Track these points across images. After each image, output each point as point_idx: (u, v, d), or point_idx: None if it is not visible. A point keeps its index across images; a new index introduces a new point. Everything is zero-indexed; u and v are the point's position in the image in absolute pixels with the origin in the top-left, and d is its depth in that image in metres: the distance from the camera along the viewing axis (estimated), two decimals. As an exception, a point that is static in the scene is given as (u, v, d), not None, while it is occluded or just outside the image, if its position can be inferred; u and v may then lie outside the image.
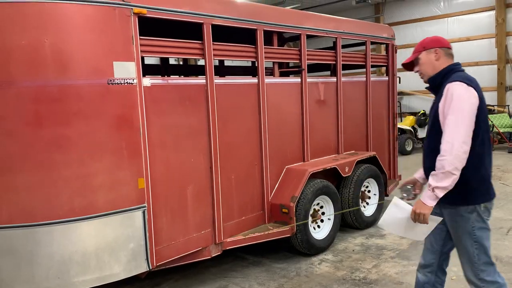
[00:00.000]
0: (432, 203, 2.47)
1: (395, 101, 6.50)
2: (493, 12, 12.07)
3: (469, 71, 10.66)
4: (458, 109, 2.40)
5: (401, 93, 13.85)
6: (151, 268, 3.44)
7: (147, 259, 3.41)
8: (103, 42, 3.14)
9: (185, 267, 4.11)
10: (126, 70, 3.24)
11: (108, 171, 3.20)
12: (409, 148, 11.17)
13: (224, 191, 4.04)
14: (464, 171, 2.42)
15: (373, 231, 5.35)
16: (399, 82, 6.62)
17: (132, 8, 3.24)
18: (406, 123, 11.61)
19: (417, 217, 2.50)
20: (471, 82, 2.49)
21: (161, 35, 3.64)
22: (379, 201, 5.64)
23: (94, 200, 3.17)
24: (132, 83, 3.28)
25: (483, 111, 2.49)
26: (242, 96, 4.21)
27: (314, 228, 4.76)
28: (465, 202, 2.55)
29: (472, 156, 2.43)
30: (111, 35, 3.17)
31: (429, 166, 2.60)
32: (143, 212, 3.38)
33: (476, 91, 2.47)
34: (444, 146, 2.41)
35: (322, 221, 4.86)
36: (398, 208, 2.62)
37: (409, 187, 2.84)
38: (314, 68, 6.63)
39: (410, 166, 9.29)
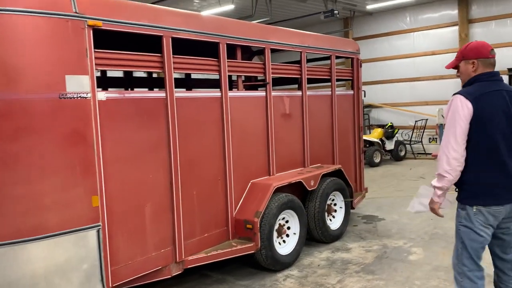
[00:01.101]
0: (436, 199, 2.85)
1: (361, 114, 6.56)
2: (456, 28, 12.46)
3: (434, 84, 10.96)
4: (451, 119, 2.71)
5: (370, 106, 14.08)
6: (106, 290, 3.29)
7: (102, 280, 3.27)
8: (54, 55, 3.02)
9: (146, 286, 3.96)
10: (79, 84, 3.12)
11: (59, 189, 3.06)
12: (377, 160, 11.31)
13: (185, 208, 3.94)
14: (462, 173, 2.74)
15: (339, 245, 5.33)
16: (364, 96, 6.70)
17: (86, 21, 3.14)
18: (374, 136, 11.76)
19: (432, 211, 2.92)
20: (470, 95, 2.69)
21: (129, 47, 3.54)
22: (345, 214, 5.63)
23: (44, 220, 3.01)
24: (85, 97, 3.16)
25: (481, 122, 2.67)
26: (204, 110, 4.14)
27: (280, 243, 4.70)
28: (459, 199, 2.85)
29: (466, 160, 2.72)
30: (63, 47, 3.06)
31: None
32: (98, 231, 3.24)
33: (474, 103, 2.66)
34: (439, 152, 2.78)
35: (287, 235, 4.80)
36: (421, 202, 3.06)
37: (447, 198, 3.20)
38: (285, 82, 6.66)
39: (377, 178, 9.41)
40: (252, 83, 5.46)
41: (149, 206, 3.65)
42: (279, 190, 4.64)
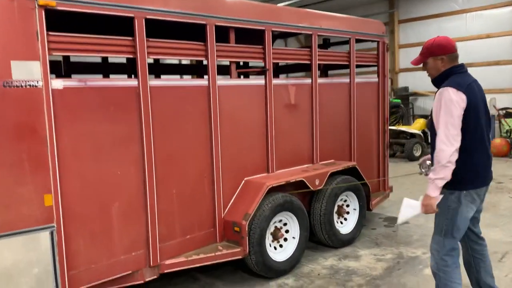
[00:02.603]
0: (435, 193, 2.87)
1: (387, 104, 5.89)
2: (514, 7, 11.17)
3: (489, 70, 9.95)
4: (447, 111, 2.80)
5: (415, 94, 13.06)
6: (62, 296, 3.02)
7: (56, 286, 3.00)
8: (-2, 38, 2.72)
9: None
10: (28, 71, 2.82)
11: (4, 187, 2.79)
12: (417, 154, 10.41)
13: (162, 208, 3.59)
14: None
15: (348, 251, 4.79)
16: (391, 84, 6.00)
17: (36, 0, 2.82)
18: (416, 127, 10.86)
19: (426, 209, 2.92)
20: (460, 86, 2.82)
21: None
22: (360, 217, 5.07)
23: (-13, 219, 2.76)
24: (36, 86, 2.86)
25: (473, 111, 2.84)
26: (187, 100, 3.74)
27: (275, 248, 4.25)
28: (449, 185, 2.89)
29: (461, 150, 2.81)
30: (8, 30, 2.75)
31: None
32: (51, 233, 2.96)
33: (466, 94, 2.81)
34: (438, 144, 2.82)
35: (285, 239, 4.35)
36: (409, 207, 3.03)
37: (428, 163, 3.21)
38: (298, 69, 6.11)
39: (414, 174, 8.59)
40: (247, 70, 4.99)
41: (117, 205, 3.33)
42: (276, 189, 4.18)
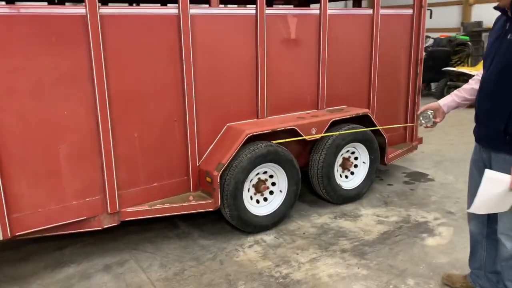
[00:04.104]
0: None
1: (422, 42, 4.99)
2: None
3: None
4: None
5: (487, 30, 11.37)
6: (2, 237, 2.90)
7: (-5, 227, 2.87)
8: None
9: (106, 231, 3.52)
10: None
11: None
12: (477, 99, 9.16)
13: (121, 153, 3.29)
14: None
15: (349, 209, 4.28)
16: (430, 17, 5.04)
17: None
18: (478, 68, 9.50)
19: None
20: None
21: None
22: (369, 172, 4.47)
23: None
24: (-46, 13, 2.54)
25: None
26: (151, 32, 3.27)
27: (258, 202, 3.86)
28: None
29: None
30: None
31: (489, 109, 2.32)
32: (-14, 175, 2.79)
33: None
34: None
35: (271, 193, 3.93)
36: (493, 182, 2.13)
37: (429, 113, 2.71)
38: None
39: (465, 123, 7.59)
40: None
41: (65, 148, 3.06)
42: (263, 138, 3.71)
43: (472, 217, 2.69)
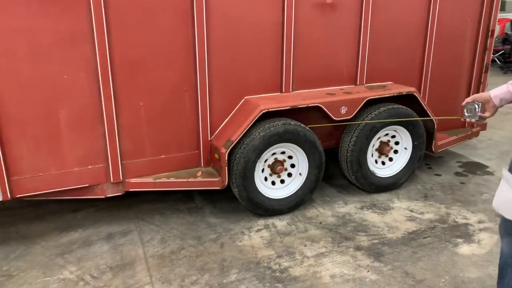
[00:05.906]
0: None
1: (496, 10, 4.19)
2: None
3: None
4: None
5: None
6: (2, 198, 2.93)
7: (-5, 187, 2.90)
8: None
9: (122, 197, 3.47)
10: None
11: None
12: None
13: (125, 121, 3.15)
14: None
15: (382, 199, 3.82)
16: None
17: None
18: None
19: None
20: None
21: None
22: (411, 159, 3.94)
23: None
24: None
25: None
26: (160, -7, 3.01)
27: (273, 183, 3.56)
28: None
29: None
30: None
31: None
32: (-15, 136, 2.79)
33: None
34: None
35: (290, 175, 3.60)
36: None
37: (476, 105, 2.20)
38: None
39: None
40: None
41: (65, 113, 2.97)
42: (282, 115, 3.37)
43: (504, 232, 2.18)
